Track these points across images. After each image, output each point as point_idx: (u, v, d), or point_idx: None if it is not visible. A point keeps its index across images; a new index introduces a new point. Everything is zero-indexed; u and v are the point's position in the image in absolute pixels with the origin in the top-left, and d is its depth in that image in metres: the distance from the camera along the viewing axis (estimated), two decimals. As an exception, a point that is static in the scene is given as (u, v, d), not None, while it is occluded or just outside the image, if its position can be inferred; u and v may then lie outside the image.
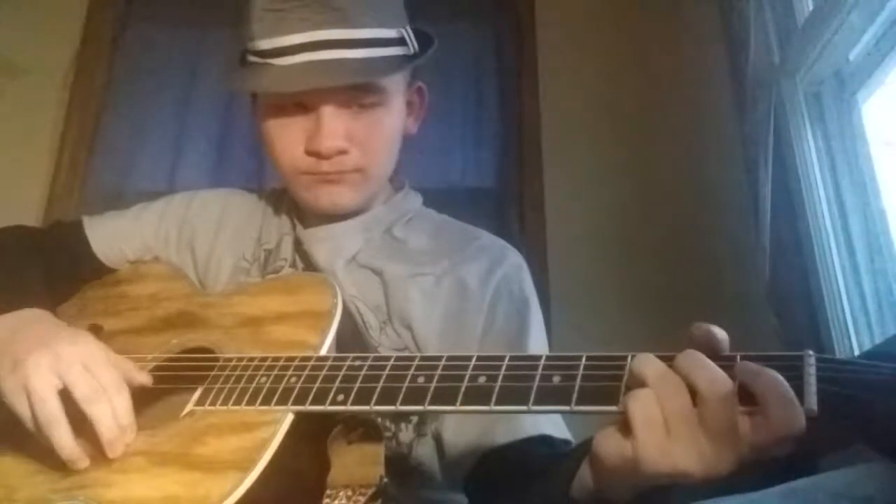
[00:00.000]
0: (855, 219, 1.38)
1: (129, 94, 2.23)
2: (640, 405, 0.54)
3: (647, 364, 0.56)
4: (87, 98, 2.20)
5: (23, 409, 0.72)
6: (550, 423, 0.87)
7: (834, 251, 1.38)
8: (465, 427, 0.88)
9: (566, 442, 0.86)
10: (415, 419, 0.90)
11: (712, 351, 0.56)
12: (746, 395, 0.53)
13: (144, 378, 0.78)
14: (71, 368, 0.72)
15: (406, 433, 0.89)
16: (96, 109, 2.20)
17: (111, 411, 0.72)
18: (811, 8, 1.48)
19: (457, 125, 2.15)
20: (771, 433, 0.51)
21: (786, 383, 0.52)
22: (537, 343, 0.94)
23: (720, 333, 0.57)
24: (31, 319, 0.83)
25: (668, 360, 0.56)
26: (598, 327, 1.80)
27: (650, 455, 0.53)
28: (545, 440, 0.85)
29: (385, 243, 1.01)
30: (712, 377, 0.53)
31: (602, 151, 2.07)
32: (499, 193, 2.12)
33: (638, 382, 0.56)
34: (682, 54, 2.05)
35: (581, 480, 0.62)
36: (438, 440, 0.90)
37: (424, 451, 0.90)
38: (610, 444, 0.56)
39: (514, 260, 1.02)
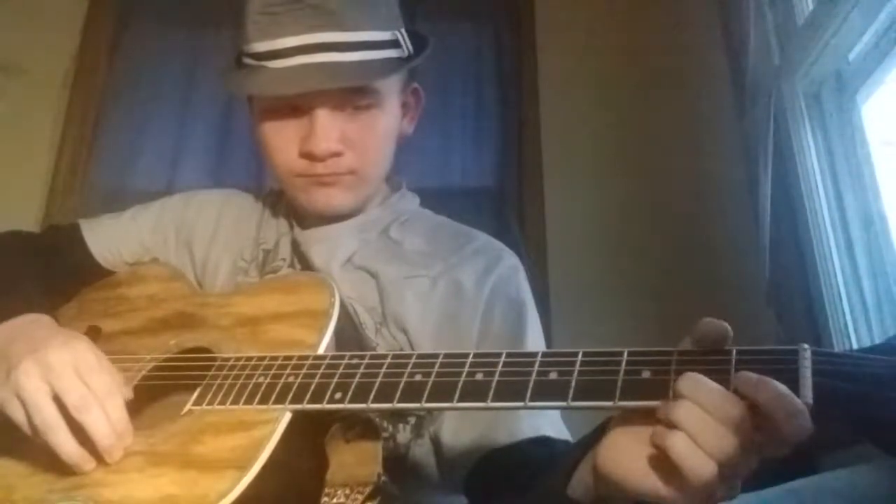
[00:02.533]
0: (855, 219, 1.38)
1: (129, 94, 2.23)
2: (694, 460, 0.52)
3: (689, 415, 0.53)
4: (87, 98, 2.20)
5: (20, 418, 0.72)
6: (549, 424, 0.87)
7: (834, 251, 1.38)
8: (463, 429, 0.87)
9: (566, 443, 0.86)
10: (412, 420, 0.90)
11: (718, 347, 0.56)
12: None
13: (126, 393, 0.77)
14: (60, 376, 0.72)
15: (403, 434, 0.89)
16: (96, 109, 2.21)
17: (104, 417, 0.71)
18: (811, 8, 1.48)
19: (456, 125, 2.15)
20: (781, 441, 0.51)
21: (787, 391, 0.51)
22: (535, 345, 0.94)
23: (729, 332, 0.57)
24: (27, 325, 0.82)
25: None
26: (598, 327, 1.80)
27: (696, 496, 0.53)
28: (544, 441, 0.85)
29: (381, 244, 1.01)
30: (738, 414, 0.52)
31: (602, 151, 2.07)
32: (499, 193, 2.12)
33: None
34: (682, 54, 2.05)
35: (580, 482, 0.62)
36: (437, 442, 0.90)
37: (422, 453, 0.90)
38: (646, 478, 0.55)
39: (510, 262, 1.01)
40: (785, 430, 0.50)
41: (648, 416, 0.55)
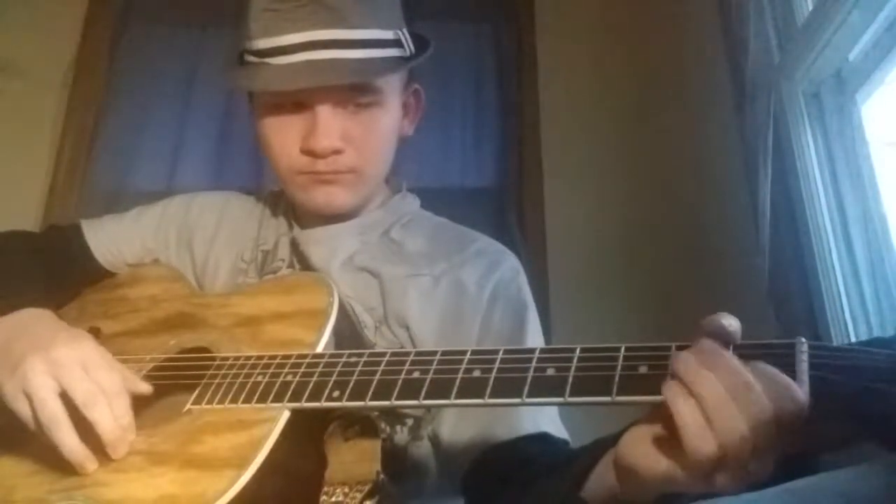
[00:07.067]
0: (855, 219, 1.38)
1: (129, 94, 2.24)
2: (701, 441, 0.51)
3: (706, 384, 0.53)
4: (87, 98, 2.20)
5: (25, 413, 0.72)
6: (549, 422, 0.87)
7: (834, 251, 1.37)
8: (463, 425, 0.88)
9: (565, 442, 0.86)
10: (410, 422, 0.90)
11: (722, 343, 0.56)
12: None
13: (143, 387, 0.78)
14: (69, 372, 0.72)
15: (401, 435, 0.89)
16: (96, 109, 2.21)
17: (110, 413, 0.72)
18: (811, 8, 1.48)
19: (456, 125, 2.16)
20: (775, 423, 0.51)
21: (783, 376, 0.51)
22: (535, 345, 0.94)
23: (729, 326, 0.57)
24: (31, 320, 0.83)
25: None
26: (598, 327, 1.80)
27: (697, 481, 0.52)
28: (544, 438, 0.85)
29: (382, 245, 1.01)
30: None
31: (602, 151, 2.07)
32: (499, 193, 2.12)
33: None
34: (682, 54, 2.05)
35: (598, 482, 0.62)
36: (436, 441, 0.90)
37: (420, 454, 0.90)
38: (657, 463, 0.54)
39: (512, 263, 1.02)
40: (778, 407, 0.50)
41: (671, 420, 0.54)
